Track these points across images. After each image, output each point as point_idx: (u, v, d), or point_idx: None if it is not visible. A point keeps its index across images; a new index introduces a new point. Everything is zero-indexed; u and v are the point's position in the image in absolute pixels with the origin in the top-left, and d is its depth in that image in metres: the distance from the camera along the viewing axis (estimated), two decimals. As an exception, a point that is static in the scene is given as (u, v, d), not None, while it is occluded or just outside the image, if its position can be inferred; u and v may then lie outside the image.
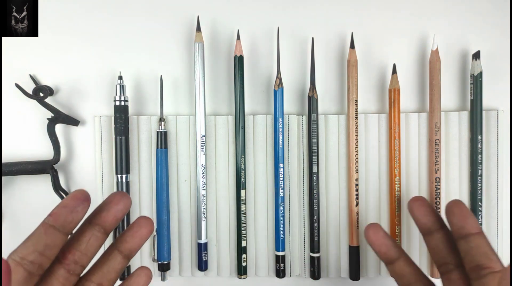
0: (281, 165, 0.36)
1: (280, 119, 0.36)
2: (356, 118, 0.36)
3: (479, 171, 0.36)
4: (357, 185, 0.37)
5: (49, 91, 0.37)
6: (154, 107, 0.38)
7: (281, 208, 0.37)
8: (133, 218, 0.38)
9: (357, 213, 0.37)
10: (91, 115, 0.38)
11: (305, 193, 0.38)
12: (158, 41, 0.38)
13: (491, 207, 0.37)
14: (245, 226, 0.37)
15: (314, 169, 0.36)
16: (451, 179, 0.37)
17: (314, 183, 0.37)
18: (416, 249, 0.38)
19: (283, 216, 0.37)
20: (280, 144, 0.36)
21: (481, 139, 0.36)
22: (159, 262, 0.37)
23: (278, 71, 0.36)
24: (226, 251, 0.38)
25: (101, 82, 0.38)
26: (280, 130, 0.36)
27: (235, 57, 0.36)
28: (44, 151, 0.38)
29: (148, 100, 0.38)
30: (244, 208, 0.37)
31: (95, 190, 0.38)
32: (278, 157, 0.36)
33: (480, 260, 0.25)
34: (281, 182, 0.37)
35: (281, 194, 0.37)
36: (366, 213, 0.38)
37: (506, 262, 0.38)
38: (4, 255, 0.23)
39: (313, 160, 0.36)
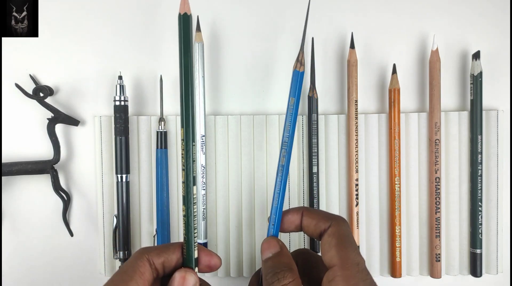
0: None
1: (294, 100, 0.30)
2: (356, 118, 0.36)
3: (479, 171, 0.36)
4: (357, 185, 0.37)
5: (49, 91, 0.37)
6: (154, 107, 0.38)
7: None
8: (133, 218, 0.38)
9: (357, 213, 0.37)
10: (91, 115, 0.38)
11: (305, 193, 0.38)
12: (158, 41, 0.38)
13: (491, 207, 0.37)
14: (246, 226, 0.37)
15: (314, 169, 0.36)
16: (451, 179, 0.37)
17: (314, 183, 0.36)
18: (417, 249, 0.38)
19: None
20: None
21: (481, 139, 0.36)
22: (159, 262, 0.37)
23: (302, 48, 0.30)
24: (226, 251, 0.38)
25: (101, 82, 0.38)
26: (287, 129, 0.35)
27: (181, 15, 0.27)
28: (44, 151, 0.38)
29: (148, 100, 0.38)
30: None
31: (95, 190, 0.38)
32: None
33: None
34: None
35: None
36: (366, 213, 0.38)
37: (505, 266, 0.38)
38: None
39: (313, 160, 0.36)
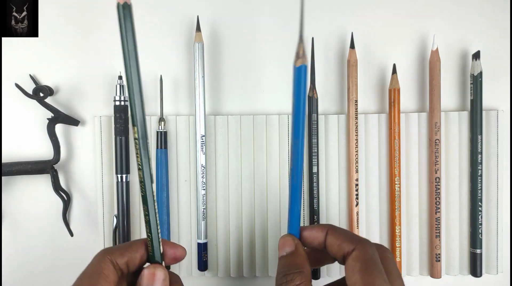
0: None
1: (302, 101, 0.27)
2: (356, 118, 0.36)
3: (479, 171, 0.36)
4: (357, 185, 0.37)
5: (49, 91, 0.37)
6: (154, 107, 0.38)
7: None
8: (133, 218, 0.38)
9: (357, 213, 0.37)
10: (91, 115, 0.38)
11: (305, 193, 0.37)
12: (158, 41, 0.38)
13: (491, 207, 0.37)
14: (246, 226, 0.37)
15: (314, 169, 0.36)
16: (451, 179, 0.37)
17: (314, 183, 0.36)
18: (417, 249, 0.38)
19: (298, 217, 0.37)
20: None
21: (481, 139, 0.36)
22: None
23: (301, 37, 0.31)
24: (226, 251, 0.38)
25: (101, 82, 0.38)
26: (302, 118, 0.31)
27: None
28: (44, 151, 0.38)
29: (148, 100, 0.38)
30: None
31: (95, 190, 0.38)
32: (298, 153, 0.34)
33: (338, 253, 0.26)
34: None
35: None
36: (366, 213, 0.38)
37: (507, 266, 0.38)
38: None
39: (313, 160, 0.36)
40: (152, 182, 0.24)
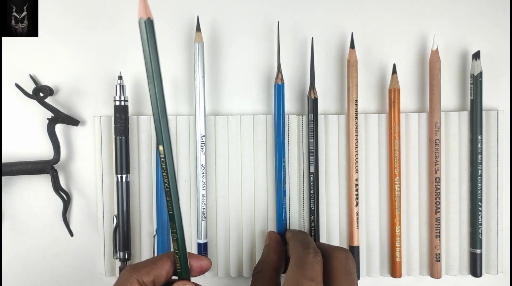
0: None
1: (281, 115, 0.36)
2: (356, 118, 0.36)
3: (479, 171, 0.36)
4: (357, 185, 0.37)
5: (49, 91, 0.37)
6: (154, 107, 0.38)
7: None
8: (133, 218, 0.38)
9: (357, 213, 0.37)
10: (91, 115, 0.38)
11: (305, 193, 0.37)
12: (158, 41, 0.38)
13: (491, 207, 0.37)
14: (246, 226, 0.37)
15: (311, 169, 0.36)
16: (451, 179, 0.37)
17: (311, 183, 0.36)
18: (417, 249, 0.38)
19: (284, 216, 0.37)
20: (282, 142, 0.36)
21: (481, 139, 0.36)
22: (159, 262, 0.37)
23: (279, 66, 0.36)
24: (226, 251, 0.38)
25: (101, 82, 0.38)
26: (282, 128, 0.36)
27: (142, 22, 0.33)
28: (44, 151, 0.38)
29: (148, 100, 0.38)
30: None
31: (95, 190, 0.38)
32: (280, 156, 0.36)
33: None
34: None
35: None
36: (366, 213, 0.38)
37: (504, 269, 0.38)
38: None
39: (311, 160, 0.36)
40: (179, 200, 0.25)
